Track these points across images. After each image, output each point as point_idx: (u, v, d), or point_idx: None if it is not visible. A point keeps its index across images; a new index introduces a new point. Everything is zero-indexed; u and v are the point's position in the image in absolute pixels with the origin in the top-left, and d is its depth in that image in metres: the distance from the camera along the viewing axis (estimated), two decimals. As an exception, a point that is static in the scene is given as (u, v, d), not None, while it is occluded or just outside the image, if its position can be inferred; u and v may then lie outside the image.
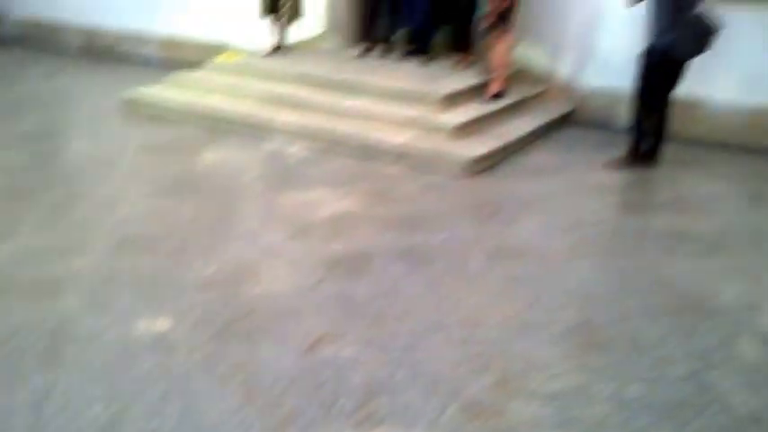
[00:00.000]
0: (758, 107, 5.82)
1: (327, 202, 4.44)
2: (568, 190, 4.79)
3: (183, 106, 6.31)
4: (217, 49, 8.10)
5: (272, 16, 7.17)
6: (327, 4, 7.67)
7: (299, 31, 7.49)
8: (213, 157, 5.33)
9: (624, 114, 5.90)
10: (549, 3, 6.47)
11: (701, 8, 4.86)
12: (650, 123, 5.20)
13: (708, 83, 5.88)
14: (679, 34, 4.78)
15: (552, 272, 3.57)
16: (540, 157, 5.53)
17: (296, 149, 5.51)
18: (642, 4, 4.99)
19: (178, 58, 8.71)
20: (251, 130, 5.85)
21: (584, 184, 4.92)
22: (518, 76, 6.63)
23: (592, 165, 5.31)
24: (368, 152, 5.34)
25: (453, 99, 5.78)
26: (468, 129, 5.49)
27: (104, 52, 9.43)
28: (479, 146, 5.27)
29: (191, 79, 6.77)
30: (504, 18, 5.79)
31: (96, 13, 9.51)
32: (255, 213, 4.29)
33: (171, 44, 8.99)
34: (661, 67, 4.99)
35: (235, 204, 4.40)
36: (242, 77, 6.61)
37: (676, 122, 5.52)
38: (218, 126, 6.00)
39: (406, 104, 5.72)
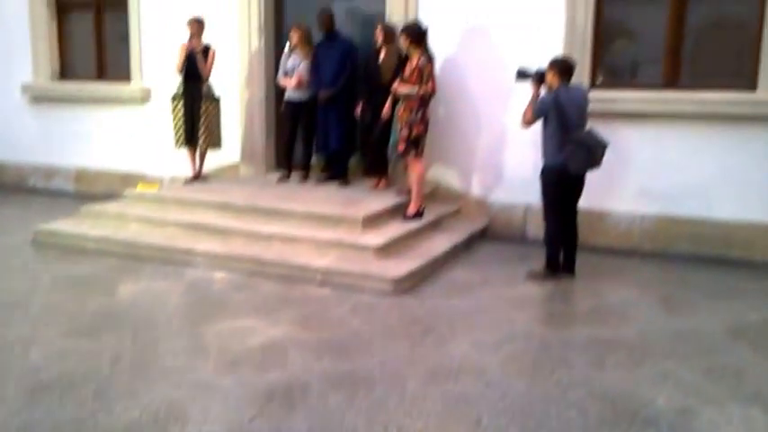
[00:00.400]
0: (655, 216, 6.27)
1: (256, 331, 4.34)
2: (493, 305, 4.90)
3: (100, 238, 6.14)
4: (132, 180, 8.07)
5: (188, 147, 7.25)
6: (244, 132, 7.84)
7: (216, 160, 7.59)
8: (133, 289, 5.15)
9: (536, 227, 6.23)
10: (457, 127, 6.87)
11: (587, 127, 5.29)
12: (561, 236, 5.47)
13: (609, 195, 6.32)
14: (569, 152, 5.14)
15: (490, 389, 3.57)
16: (461, 272, 5.66)
17: (220, 277, 5.42)
18: (537, 125, 5.38)
19: (92, 189, 8.61)
20: (172, 260, 5.73)
21: (508, 297, 5.05)
22: (434, 195, 6.91)
23: (512, 278, 5.49)
24: (293, 276, 5.32)
25: (374, 220, 5.91)
26: (390, 248, 5.59)
27: (14, 186, 9.19)
28: (403, 265, 5.35)
29: (107, 210, 6.64)
30: (415, 143, 6.07)
31: (4, 147, 9.33)
32: (181, 347, 4.12)
33: (84, 176, 8.87)
34: (559, 184, 5.33)
35: (158, 339, 4.22)
36: (160, 207, 6.54)
37: (586, 233, 5.85)
38: (138, 257, 5.85)
39: (328, 227, 5.80)
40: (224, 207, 6.29)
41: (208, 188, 6.93)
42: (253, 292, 5.10)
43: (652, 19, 6.31)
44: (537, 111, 5.32)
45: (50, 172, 9.10)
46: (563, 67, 5.28)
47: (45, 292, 5.09)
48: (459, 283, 5.38)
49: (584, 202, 5.54)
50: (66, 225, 6.49)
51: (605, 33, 6.44)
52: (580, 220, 5.54)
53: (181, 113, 7.21)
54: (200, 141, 7.19)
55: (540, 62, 5.47)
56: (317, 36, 7.05)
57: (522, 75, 5.50)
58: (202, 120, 7.15)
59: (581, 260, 5.57)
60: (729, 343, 4.27)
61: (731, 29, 6.18)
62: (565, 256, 5.51)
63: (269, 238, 5.78)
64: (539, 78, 5.40)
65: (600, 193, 6.11)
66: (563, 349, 4.12)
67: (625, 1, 6.46)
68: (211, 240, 5.89)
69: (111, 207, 6.73)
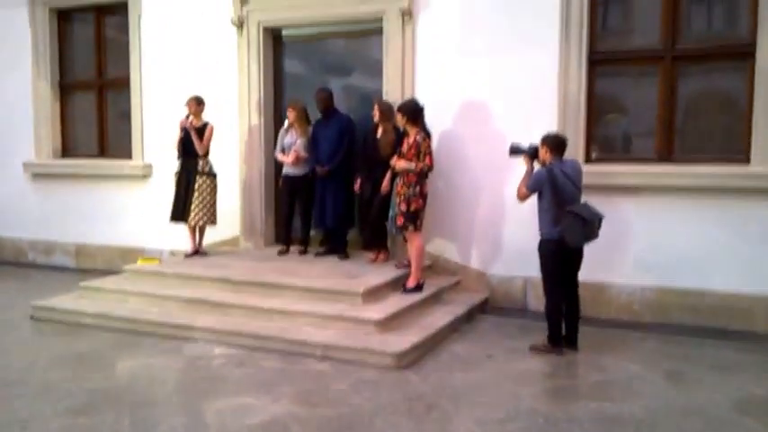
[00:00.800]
0: (655, 288, 6.28)
1: (256, 408, 4.27)
2: (497, 379, 4.84)
3: (98, 314, 6.11)
4: (132, 254, 8.08)
5: (184, 222, 7.27)
6: (243, 206, 7.91)
7: (216, 234, 7.62)
8: (132, 366, 5.09)
9: (536, 299, 6.22)
10: (456, 199, 6.96)
11: (582, 201, 5.37)
12: (562, 309, 5.45)
13: (608, 267, 6.34)
14: (566, 225, 5.20)
15: (496, 468, 3.51)
16: (463, 346, 5.62)
17: (219, 353, 5.36)
18: (533, 197, 5.46)
19: (92, 264, 8.61)
20: (171, 336, 5.69)
21: (511, 372, 5.00)
22: (434, 267, 6.93)
23: (514, 351, 5.44)
24: (294, 351, 5.27)
25: (374, 294, 5.91)
26: (391, 322, 5.56)
27: (14, 261, 9.18)
28: (405, 339, 5.31)
29: (105, 286, 6.63)
30: (414, 217, 6.13)
31: (4, 223, 9.38)
32: (181, 425, 4.03)
33: (84, 251, 8.87)
34: (557, 256, 5.36)
35: (158, 416, 4.15)
36: (160, 282, 6.54)
37: (588, 306, 5.84)
38: (137, 333, 5.80)
39: (328, 301, 5.79)
40: (223, 282, 6.28)
41: (207, 263, 6.94)
42: (253, 367, 5.04)
43: (644, 93, 6.50)
44: (531, 186, 5.41)
45: (50, 247, 9.10)
46: (555, 143, 5.40)
47: (43, 368, 5.02)
48: (462, 357, 5.33)
49: (584, 275, 5.56)
50: (64, 301, 6.46)
51: (598, 108, 6.62)
52: (581, 292, 5.54)
53: (175, 189, 7.29)
54: (192, 216, 7.20)
55: (535, 136, 5.57)
56: (315, 112, 7.21)
57: (515, 151, 5.62)
58: (195, 195, 7.19)
59: (583, 333, 5.54)
60: (736, 418, 4.21)
61: (722, 103, 6.36)
62: (567, 328, 5.49)
63: (269, 312, 5.76)
64: (532, 154, 5.52)
65: (599, 266, 6.13)
66: (569, 425, 4.05)
67: (617, 76, 6.67)
68: (211, 315, 5.87)
69: (110, 282, 6.72)
